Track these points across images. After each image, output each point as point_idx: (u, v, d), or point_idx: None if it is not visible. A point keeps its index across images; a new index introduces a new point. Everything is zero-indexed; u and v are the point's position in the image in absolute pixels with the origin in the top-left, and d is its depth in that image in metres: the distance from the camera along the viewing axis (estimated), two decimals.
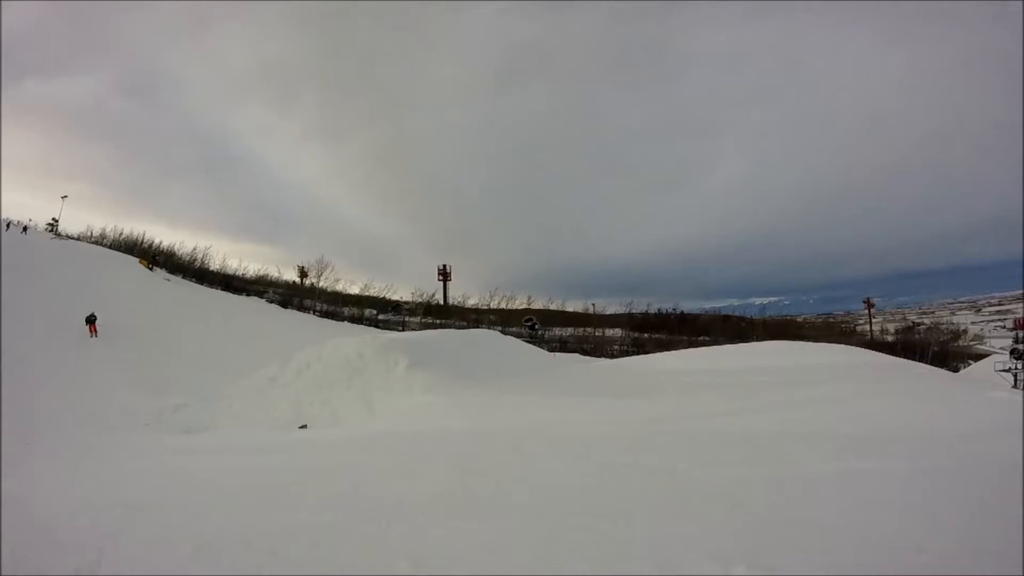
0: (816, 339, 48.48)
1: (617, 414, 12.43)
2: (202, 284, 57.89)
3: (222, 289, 58.48)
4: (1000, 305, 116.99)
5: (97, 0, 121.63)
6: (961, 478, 5.14)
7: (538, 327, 54.66)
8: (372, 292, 66.08)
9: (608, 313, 66.48)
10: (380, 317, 60.34)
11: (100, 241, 61.26)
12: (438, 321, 58.71)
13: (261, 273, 66.72)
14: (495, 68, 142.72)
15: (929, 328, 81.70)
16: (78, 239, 58.84)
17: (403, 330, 53.30)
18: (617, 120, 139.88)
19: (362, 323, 57.59)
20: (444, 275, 64.64)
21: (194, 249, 64.58)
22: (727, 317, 74.17)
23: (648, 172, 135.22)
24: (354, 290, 66.01)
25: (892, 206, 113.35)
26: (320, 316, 57.79)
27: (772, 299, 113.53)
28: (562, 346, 53.24)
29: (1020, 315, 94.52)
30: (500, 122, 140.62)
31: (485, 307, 64.58)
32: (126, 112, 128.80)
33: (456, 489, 5.58)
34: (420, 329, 53.12)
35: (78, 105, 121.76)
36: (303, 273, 63.64)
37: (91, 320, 27.13)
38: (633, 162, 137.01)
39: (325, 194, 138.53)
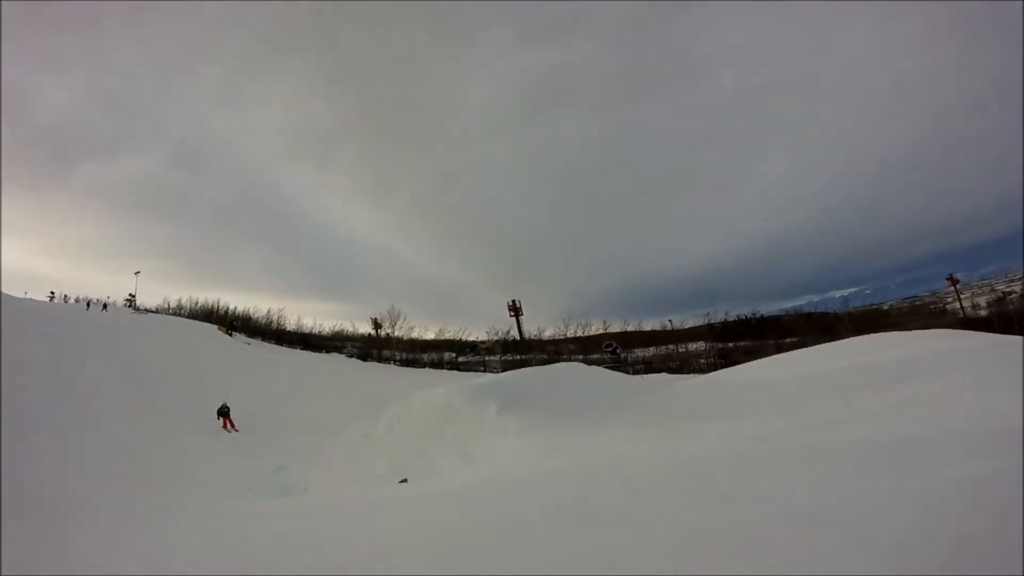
0: (907, 325, 46.61)
1: (719, 436, 11.92)
2: (281, 345, 59.21)
3: (302, 348, 59.79)
4: None
5: (131, 80, 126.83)
6: None
7: (619, 351, 54.11)
8: (448, 335, 66.60)
9: (688, 327, 65.47)
10: (460, 360, 60.63)
11: (178, 311, 63.71)
12: (518, 357, 58.59)
13: (336, 329, 68.15)
14: (521, 100, 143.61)
15: (1022, 296, 77.51)
16: (156, 311, 61.13)
17: (484, 370, 53.54)
18: (656, 131, 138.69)
19: (443, 367, 58.04)
20: (515, 310, 64.40)
21: (268, 311, 66.53)
22: (809, 315, 72.21)
23: (699, 178, 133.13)
24: (430, 335, 66.71)
25: (962, 173, 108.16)
26: (400, 365, 58.41)
27: (853, 290, 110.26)
28: (647, 367, 52.50)
29: None
30: (540, 150, 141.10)
31: (562, 337, 64.26)
32: (180, 185, 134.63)
33: (574, 538, 5.25)
34: (500, 367, 53.23)
35: (134, 183, 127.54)
36: (377, 325, 64.67)
37: (224, 412, 25.90)
38: (681, 170, 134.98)
39: (384, 245, 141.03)
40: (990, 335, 23.89)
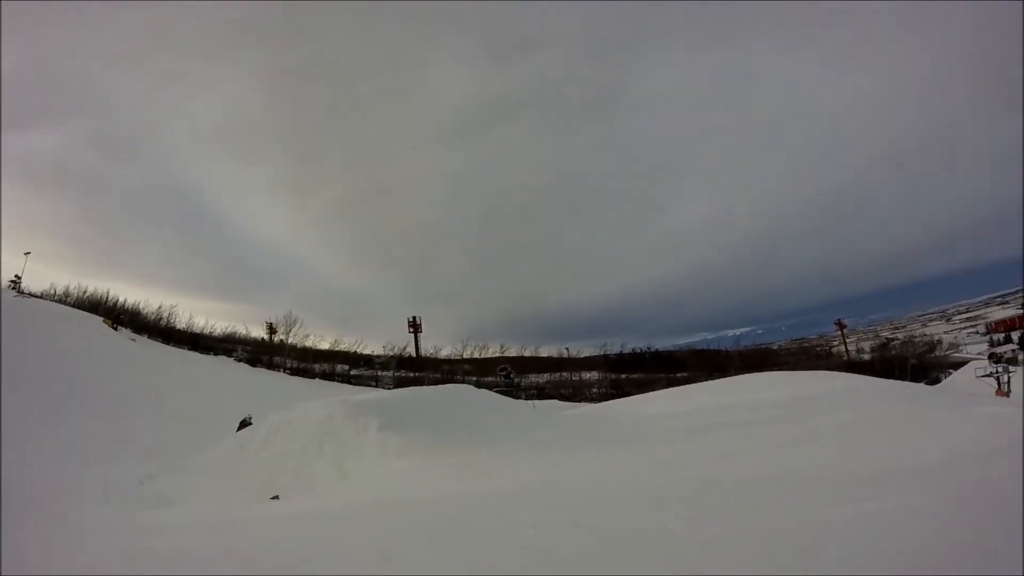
0: (794, 365, 49.06)
1: (604, 468, 12.06)
2: (169, 344, 57.02)
3: (189, 348, 57.79)
4: (968, 312, 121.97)
5: (67, 54, 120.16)
6: (985, 507, 5.10)
7: (513, 375, 54.39)
8: (343, 347, 65.50)
9: (583, 356, 66.55)
10: (352, 373, 59.75)
11: (64, 299, 60.24)
12: (411, 375, 58.14)
13: (229, 331, 66.04)
14: (458, 120, 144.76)
15: (904, 342, 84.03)
16: (41, 297, 57.86)
17: (376, 385, 52.93)
18: (582, 164, 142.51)
19: (334, 379, 56.97)
20: (414, 327, 64.12)
21: (159, 307, 63.68)
22: (702, 351, 74.62)
23: (615, 213, 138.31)
24: (324, 345, 65.40)
25: (855, 226, 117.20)
26: (290, 374, 57.04)
27: (745, 329, 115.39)
28: (539, 393, 52.99)
29: (992, 319, 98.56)
30: (468, 172, 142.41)
31: (459, 357, 64.19)
32: (94, 168, 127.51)
33: (441, 568, 5.16)
34: (393, 383, 52.74)
35: (44, 159, 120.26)
36: (272, 330, 63.15)
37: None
38: (600, 204, 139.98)
39: (294, 248, 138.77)
40: (867, 378, 25.20)
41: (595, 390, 55.89)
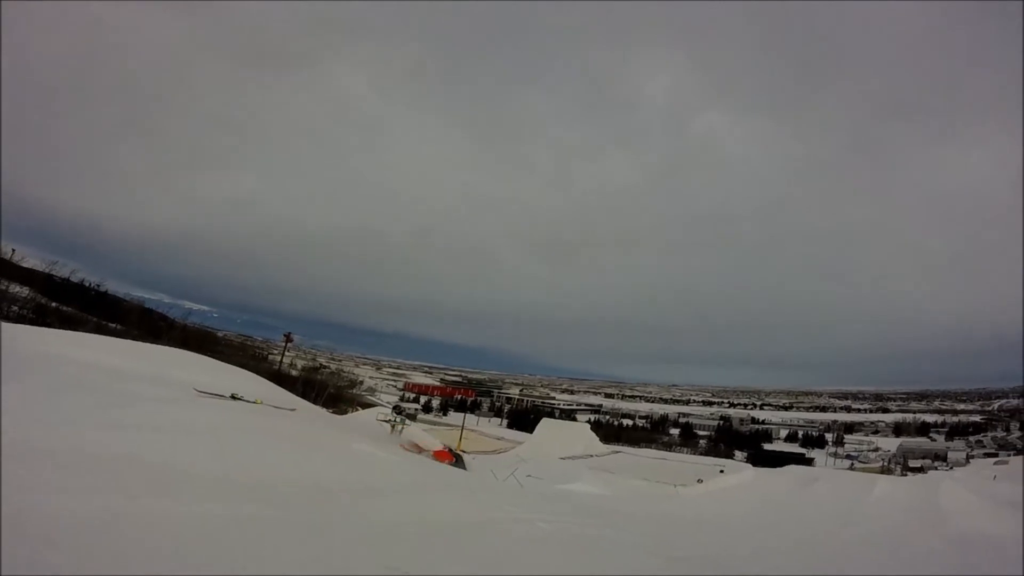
0: (229, 357, 49.79)
1: None
2: None
3: None
4: (399, 369, 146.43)
5: None
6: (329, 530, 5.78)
7: None
8: None
9: (25, 266, 60.60)
10: None
11: None
12: None
13: None
14: None
15: (332, 372, 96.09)
16: None
17: None
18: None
19: None
20: None
21: None
22: (149, 311, 73.69)
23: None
24: None
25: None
26: None
27: (203, 308, 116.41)
28: None
29: (412, 381, 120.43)
30: None
31: None
32: None
33: None
34: None
35: None
36: None
37: None
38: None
39: None
40: (278, 388, 28.52)
41: (16, 308, 48.10)
